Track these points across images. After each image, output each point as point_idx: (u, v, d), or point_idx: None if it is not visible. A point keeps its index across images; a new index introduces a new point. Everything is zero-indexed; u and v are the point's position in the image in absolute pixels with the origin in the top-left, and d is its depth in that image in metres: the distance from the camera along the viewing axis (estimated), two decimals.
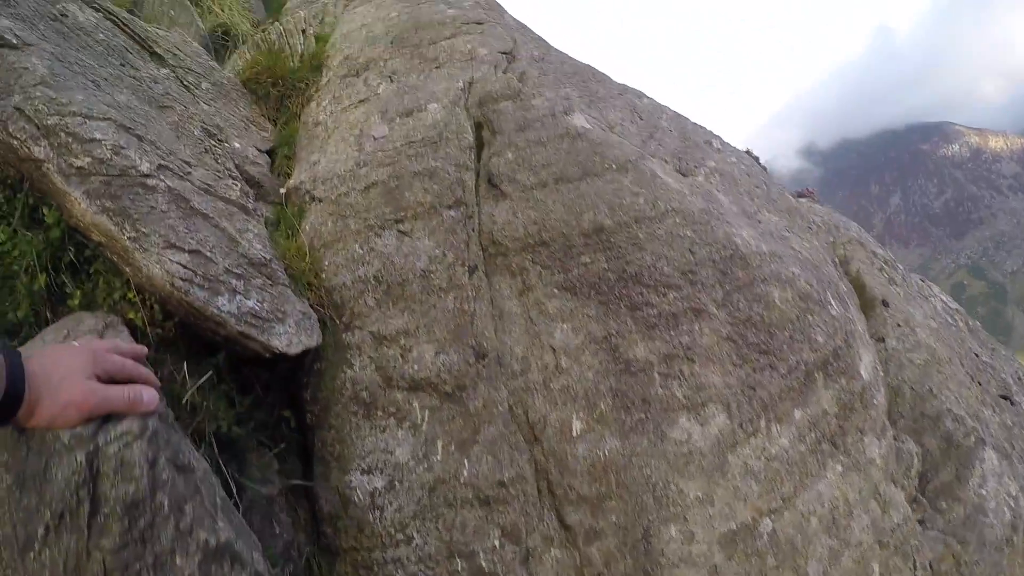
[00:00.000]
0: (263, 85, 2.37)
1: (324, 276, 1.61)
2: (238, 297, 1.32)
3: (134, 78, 1.86)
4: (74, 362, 0.76)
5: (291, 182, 1.89)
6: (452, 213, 1.70)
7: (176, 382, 1.27)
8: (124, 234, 1.25)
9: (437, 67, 2.15)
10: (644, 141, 2.20)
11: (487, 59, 2.19)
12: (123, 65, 1.88)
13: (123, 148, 1.39)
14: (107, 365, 0.83)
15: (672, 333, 1.61)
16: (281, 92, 2.35)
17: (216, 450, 1.27)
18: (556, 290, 1.64)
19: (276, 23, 2.97)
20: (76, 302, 1.31)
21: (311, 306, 1.53)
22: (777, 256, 1.86)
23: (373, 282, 1.60)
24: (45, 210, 1.42)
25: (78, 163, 1.31)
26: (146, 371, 0.93)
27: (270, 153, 2.12)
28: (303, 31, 2.71)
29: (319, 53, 2.52)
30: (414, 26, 2.39)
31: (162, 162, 1.48)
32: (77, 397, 0.74)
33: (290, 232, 1.69)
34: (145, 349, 1.03)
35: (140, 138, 1.49)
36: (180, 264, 1.27)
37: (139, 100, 1.73)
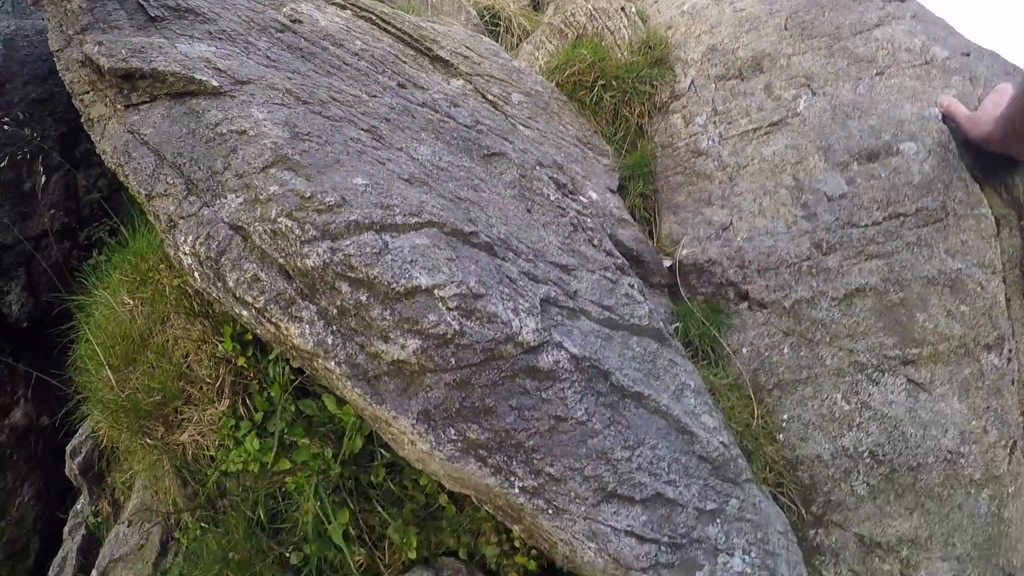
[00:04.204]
0: (589, 89, 1.86)
1: (781, 439, 1.11)
2: (720, 558, 0.78)
3: (424, 105, 1.28)
4: None
5: (683, 252, 1.39)
6: (993, 359, 1.08)
7: None
8: (512, 485, 0.74)
9: (879, 73, 1.46)
10: None
11: (951, 67, 1.43)
12: (402, 86, 1.33)
13: (481, 296, 0.77)
14: None
15: None
16: (616, 98, 1.83)
17: None
18: None
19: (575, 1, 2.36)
20: (412, 554, 0.97)
21: (768, 487, 1.04)
22: None
23: (868, 459, 1.06)
24: (324, 402, 1.02)
25: (394, 354, 0.72)
26: None
27: (620, 190, 1.64)
28: (622, 8, 2.11)
29: (656, 41, 1.94)
30: (810, 3, 1.69)
31: (546, 294, 0.87)
32: None
33: (712, 349, 1.20)
34: None
35: (491, 249, 0.86)
36: (632, 534, 0.73)
37: (450, 149, 1.15)
